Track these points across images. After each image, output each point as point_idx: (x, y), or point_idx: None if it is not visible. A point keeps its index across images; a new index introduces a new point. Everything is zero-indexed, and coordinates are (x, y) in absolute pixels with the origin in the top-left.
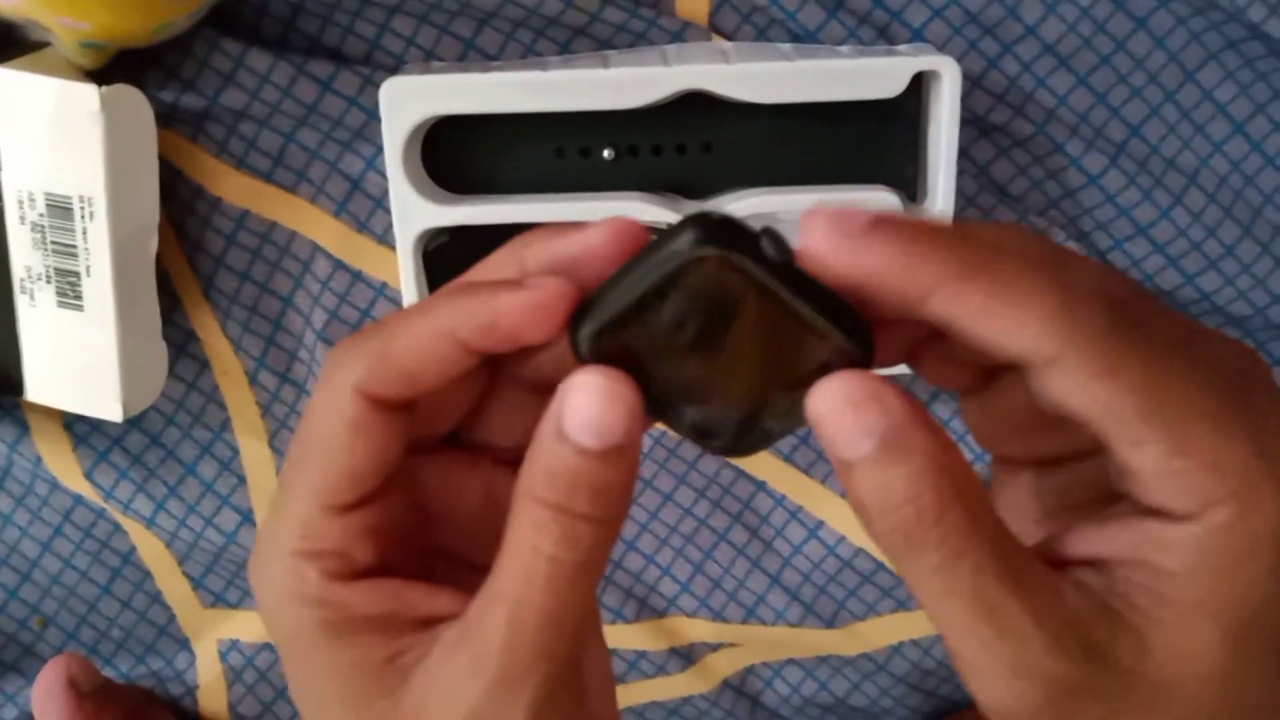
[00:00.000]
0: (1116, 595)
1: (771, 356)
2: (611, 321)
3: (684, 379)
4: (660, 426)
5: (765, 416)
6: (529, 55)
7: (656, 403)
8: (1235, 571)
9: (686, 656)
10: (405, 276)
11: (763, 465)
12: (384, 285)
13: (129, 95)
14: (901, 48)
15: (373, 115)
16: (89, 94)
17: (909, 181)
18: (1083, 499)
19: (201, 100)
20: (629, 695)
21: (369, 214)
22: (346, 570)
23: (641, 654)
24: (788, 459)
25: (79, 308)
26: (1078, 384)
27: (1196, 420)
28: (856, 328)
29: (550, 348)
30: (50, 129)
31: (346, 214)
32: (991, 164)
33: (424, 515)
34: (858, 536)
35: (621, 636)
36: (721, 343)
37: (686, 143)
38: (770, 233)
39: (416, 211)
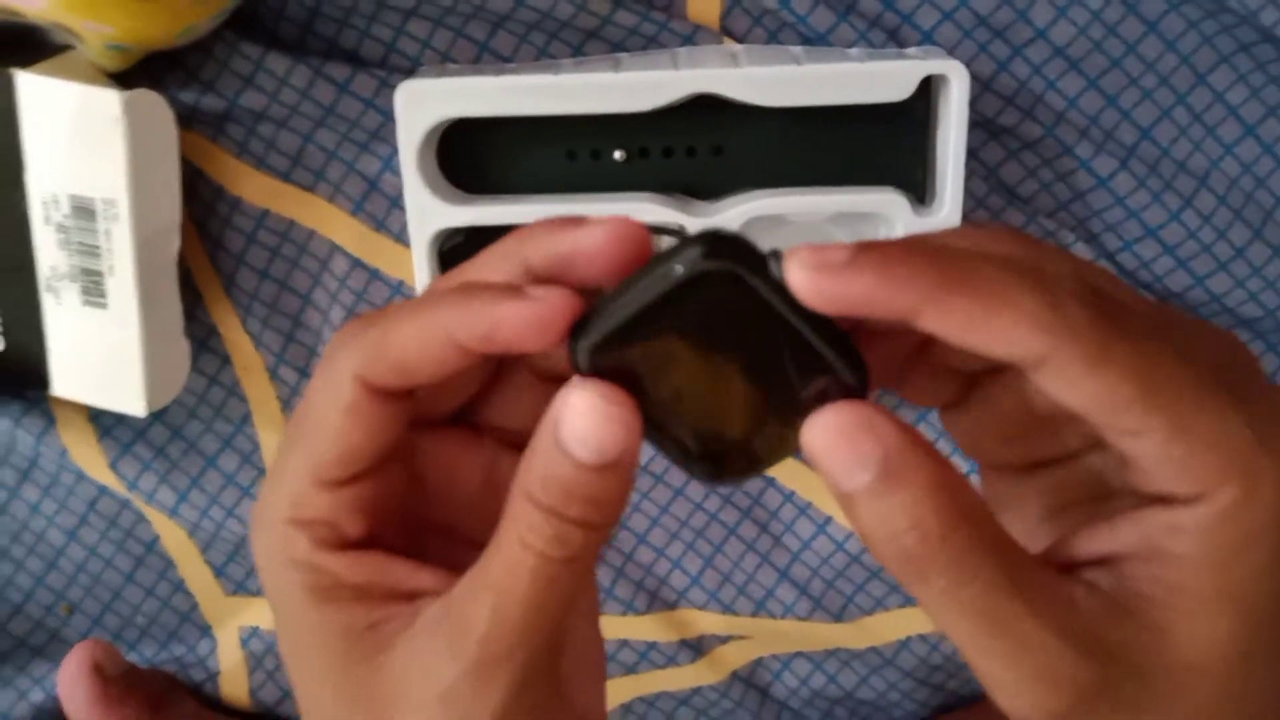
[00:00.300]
0: (1129, 591)
1: (769, 380)
2: (611, 335)
3: (680, 397)
4: None
5: (757, 441)
6: (542, 58)
7: (648, 420)
8: (1244, 551)
9: (696, 648)
10: (420, 276)
11: None
12: (401, 283)
13: (150, 100)
14: (911, 51)
15: (389, 117)
16: (111, 99)
17: (918, 184)
18: (1078, 498)
19: (222, 102)
20: (640, 685)
21: (386, 213)
22: (335, 540)
23: (652, 645)
24: (796, 455)
25: (103, 306)
26: (1071, 379)
27: (1192, 403)
28: (852, 355)
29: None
30: (73, 133)
31: (364, 213)
32: (1001, 166)
33: (422, 489)
34: None
35: (633, 628)
36: (720, 362)
37: (697, 145)
38: (778, 255)
39: (431, 212)
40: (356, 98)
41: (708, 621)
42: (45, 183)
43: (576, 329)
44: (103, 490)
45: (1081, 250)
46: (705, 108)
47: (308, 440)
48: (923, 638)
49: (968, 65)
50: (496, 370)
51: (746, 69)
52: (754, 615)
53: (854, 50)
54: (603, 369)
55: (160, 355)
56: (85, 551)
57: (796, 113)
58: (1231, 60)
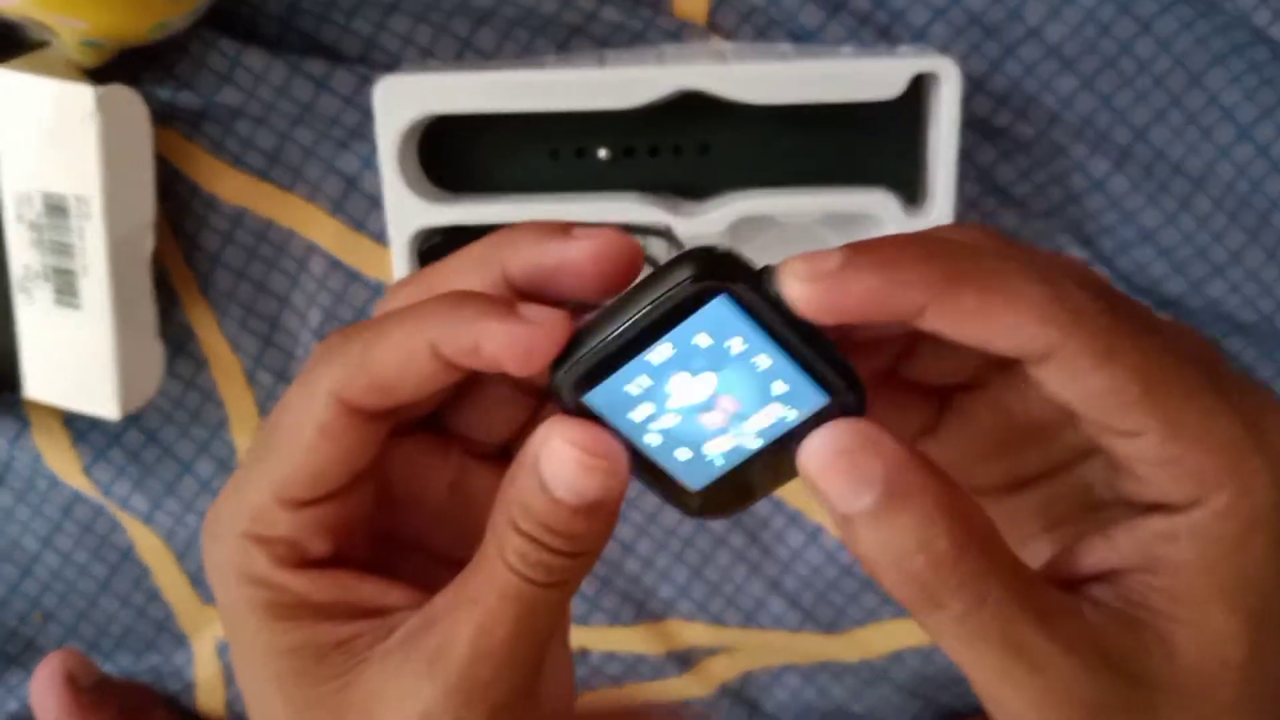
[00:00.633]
0: (1133, 604)
1: (762, 403)
2: (596, 367)
3: (668, 427)
4: None
5: (751, 470)
6: (526, 54)
7: (634, 452)
8: (1242, 552)
9: (684, 660)
10: (399, 276)
11: None
12: (380, 284)
13: (124, 96)
14: (902, 49)
15: (369, 114)
16: (84, 95)
17: (909, 184)
18: (1066, 514)
19: (198, 99)
20: (627, 697)
21: (366, 213)
22: (297, 559)
23: (640, 657)
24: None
25: (76, 306)
26: (1076, 374)
27: (1186, 402)
28: (849, 374)
29: None
30: (47, 129)
31: (343, 213)
32: (994, 167)
33: (385, 499)
34: None
35: (619, 639)
36: (712, 387)
37: (683, 144)
38: (770, 270)
39: (411, 210)
40: (335, 94)
41: (696, 633)
42: (18, 180)
43: (560, 359)
44: (77, 496)
45: (1077, 254)
46: (692, 106)
47: (276, 455)
48: (916, 650)
49: (960, 64)
50: (472, 377)
51: (734, 66)
52: (743, 626)
53: (844, 48)
54: (586, 404)
55: (134, 357)
56: (60, 558)
57: (785, 111)
58: (1226, 61)
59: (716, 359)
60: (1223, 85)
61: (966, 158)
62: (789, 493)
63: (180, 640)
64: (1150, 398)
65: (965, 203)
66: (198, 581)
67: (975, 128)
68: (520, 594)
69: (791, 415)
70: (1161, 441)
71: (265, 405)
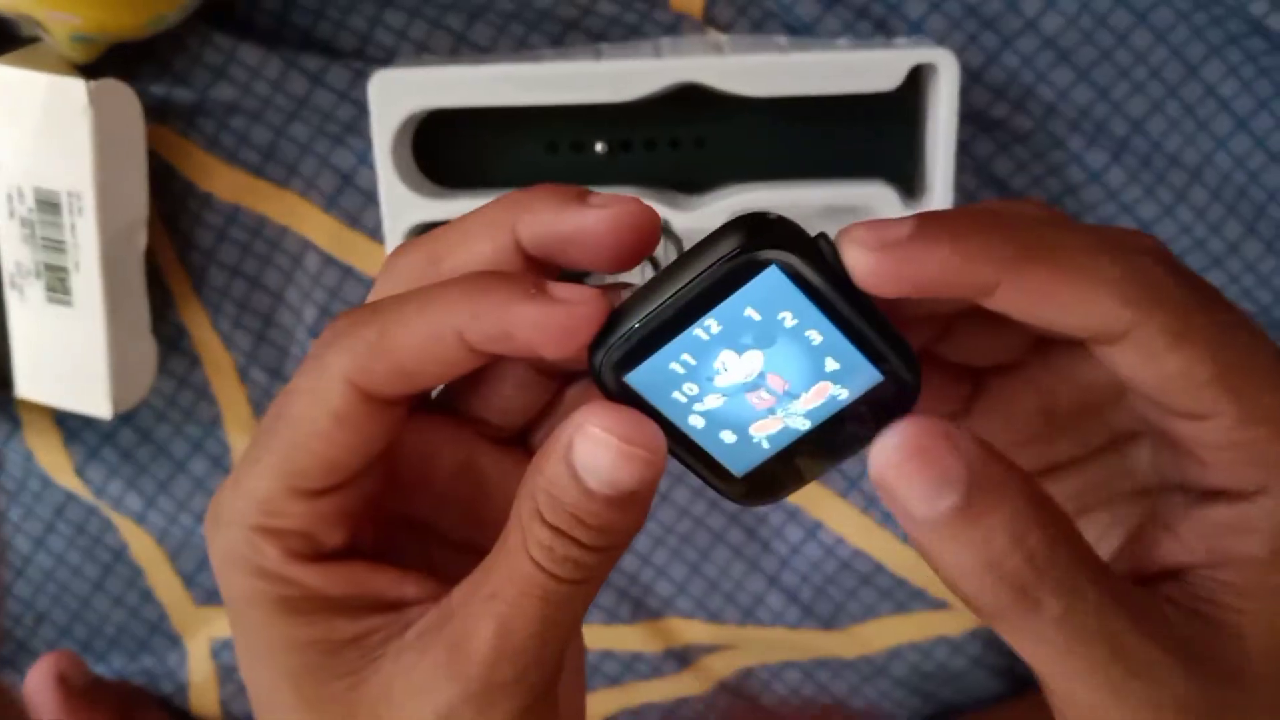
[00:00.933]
0: (1204, 600)
1: (813, 382)
2: (639, 348)
3: (714, 409)
4: None
5: (799, 452)
6: (522, 48)
7: (674, 438)
8: None
9: (683, 658)
10: None
11: None
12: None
13: (117, 90)
14: (899, 41)
15: (364, 109)
16: (77, 89)
17: (907, 177)
18: (1099, 501)
19: (192, 94)
20: (624, 696)
21: (361, 209)
22: (310, 551)
23: (637, 655)
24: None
25: (68, 303)
26: (1149, 354)
27: (1260, 386)
28: (907, 351)
29: None
30: (39, 124)
31: (338, 209)
32: (991, 160)
33: (393, 480)
34: (856, 537)
35: (617, 637)
36: (761, 366)
37: (680, 137)
38: (826, 238)
39: (406, 206)
40: (330, 90)
41: (694, 630)
42: (9, 175)
43: (598, 339)
44: (70, 496)
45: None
46: (689, 99)
47: (285, 444)
48: (915, 646)
49: (957, 56)
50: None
51: (731, 58)
52: (742, 624)
53: (840, 40)
54: (627, 387)
55: (127, 355)
56: (53, 559)
57: (782, 103)
58: (1222, 52)
59: (766, 334)
60: (1220, 76)
61: (964, 150)
62: (807, 500)
63: (174, 641)
64: (1224, 380)
65: (963, 195)
66: (191, 582)
67: (972, 120)
68: (545, 590)
69: (843, 394)
70: (1233, 425)
71: (259, 403)
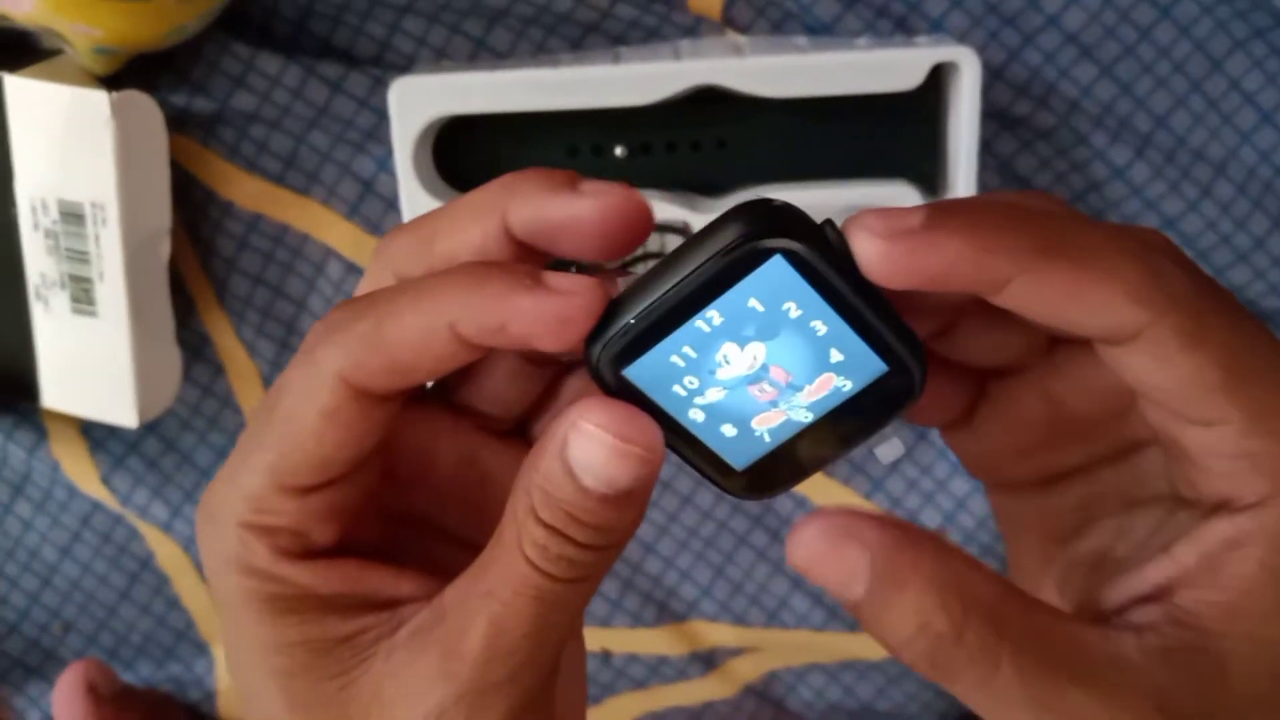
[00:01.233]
0: (1183, 625)
1: (816, 374)
2: (638, 340)
3: (715, 402)
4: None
5: (801, 445)
6: (541, 53)
7: (674, 433)
8: None
9: (708, 661)
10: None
11: None
12: None
13: (139, 101)
14: (920, 39)
15: (384, 116)
16: (99, 100)
17: (929, 176)
18: (1103, 511)
19: (213, 104)
20: (650, 700)
21: (381, 216)
22: (301, 549)
23: (663, 659)
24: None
25: (92, 314)
26: (1160, 357)
27: (1272, 394)
28: (913, 342)
29: None
30: (62, 136)
31: (359, 216)
32: (1014, 157)
33: (389, 473)
34: None
35: (642, 641)
36: (764, 358)
37: (701, 139)
38: (832, 225)
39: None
40: (350, 97)
41: (719, 633)
42: (34, 188)
43: (597, 328)
44: (96, 505)
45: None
46: (708, 101)
47: (276, 440)
48: None
49: (979, 54)
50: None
51: (750, 60)
52: (767, 626)
53: (861, 40)
54: (625, 381)
55: (152, 364)
56: (79, 568)
57: (803, 104)
58: (1246, 46)
59: (770, 325)
60: (1244, 70)
61: (986, 148)
62: (813, 489)
63: (201, 648)
64: (1235, 385)
65: (986, 193)
66: None
67: (995, 117)
68: (540, 590)
69: (847, 385)
70: (1242, 433)
71: None
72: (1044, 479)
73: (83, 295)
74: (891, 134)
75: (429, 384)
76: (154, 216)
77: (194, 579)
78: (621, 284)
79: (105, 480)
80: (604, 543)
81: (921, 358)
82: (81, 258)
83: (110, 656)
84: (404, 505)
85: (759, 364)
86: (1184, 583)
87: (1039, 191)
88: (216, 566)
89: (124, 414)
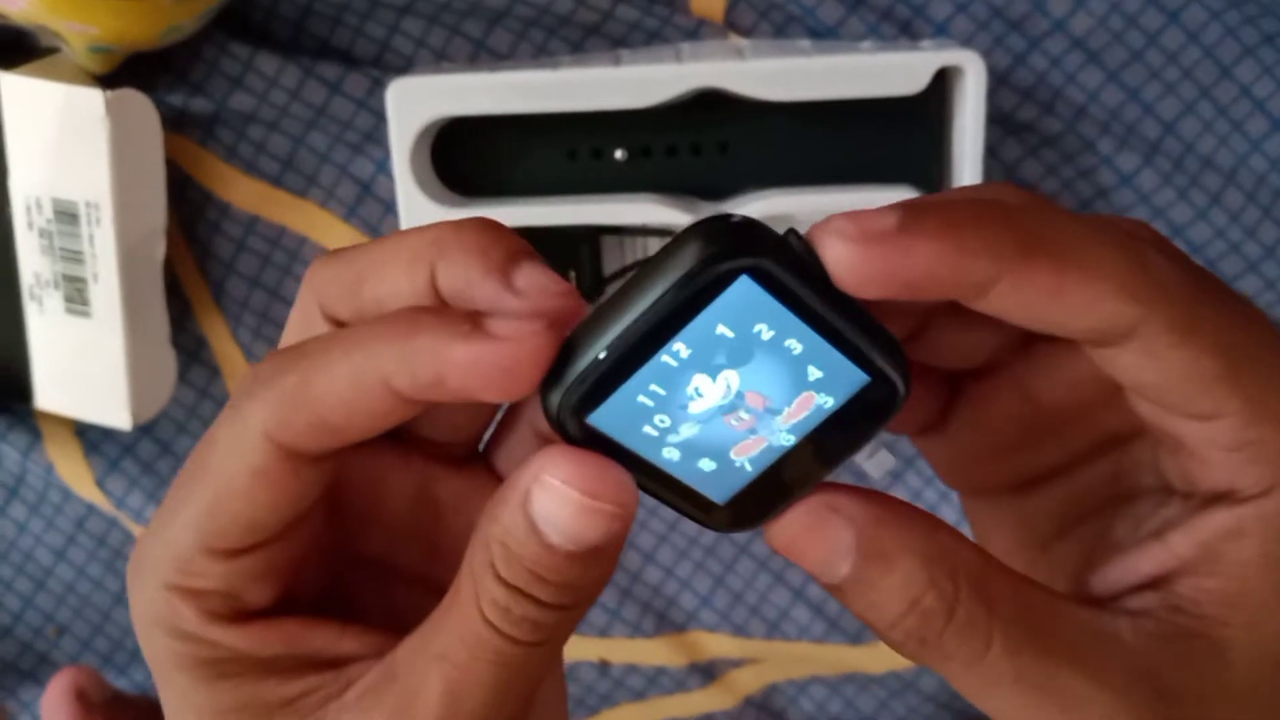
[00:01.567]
0: (1181, 611)
1: (798, 394)
2: (598, 384)
3: (690, 436)
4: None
5: (785, 470)
6: (541, 55)
7: (647, 475)
8: None
9: (708, 673)
10: None
11: None
12: None
13: (134, 99)
14: (924, 43)
15: (382, 118)
16: (94, 98)
17: (933, 182)
18: (1086, 510)
19: (210, 104)
20: (649, 712)
21: (380, 218)
22: (232, 612)
23: (661, 669)
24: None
25: (87, 314)
26: (1154, 352)
27: (1271, 382)
28: (894, 351)
29: None
30: (57, 134)
31: (357, 218)
32: (1020, 164)
33: (338, 518)
34: None
35: (641, 651)
36: (737, 382)
37: (702, 143)
38: (796, 235)
39: (425, 214)
40: (349, 98)
41: (719, 644)
42: (28, 186)
43: (552, 374)
44: (91, 508)
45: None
46: (710, 104)
47: (203, 499)
48: None
49: (983, 58)
50: None
51: (752, 63)
52: (767, 637)
53: (864, 43)
54: (590, 429)
55: (146, 365)
56: (74, 572)
57: (805, 108)
58: (1256, 52)
59: (741, 351)
60: (1254, 77)
61: (991, 154)
62: None
63: None
64: (1233, 376)
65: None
66: None
67: (1000, 123)
68: (500, 653)
69: (828, 402)
70: (1242, 425)
71: None
72: (1022, 482)
73: (77, 295)
74: (895, 139)
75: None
76: (149, 216)
77: None
78: (590, 310)
79: (100, 483)
80: (570, 601)
81: (903, 362)
82: (76, 257)
83: (104, 662)
84: (353, 549)
85: (733, 392)
86: (1182, 571)
87: (1009, 184)
88: (144, 628)
89: (118, 416)
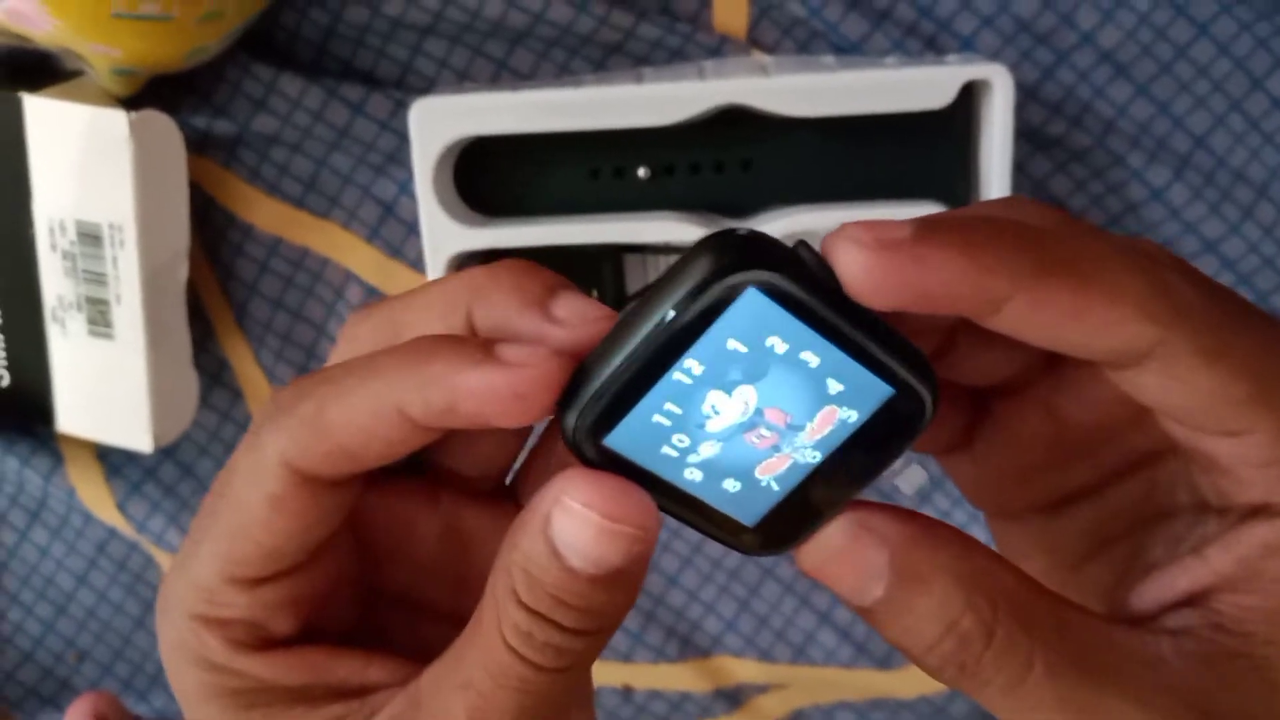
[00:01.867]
0: (1223, 630)
1: (819, 409)
2: (615, 404)
3: (712, 456)
4: None
5: (814, 488)
6: (564, 75)
7: (670, 497)
8: None
9: (733, 698)
10: None
11: None
12: None
13: (158, 121)
14: (949, 58)
15: (405, 139)
16: (118, 120)
17: (960, 198)
18: (1119, 531)
19: (233, 126)
20: None
21: (403, 239)
22: (257, 640)
23: (686, 695)
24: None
25: (109, 336)
26: (1179, 374)
27: None
28: (918, 361)
29: None
30: (80, 156)
31: (380, 239)
32: (1048, 179)
33: (367, 554)
34: None
35: (665, 677)
36: (757, 400)
37: (725, 160)
38: (807, 247)
39: (448, 235)
40: (371, 120)
41: (745, 669)
42: (51, 208)
43: (567, 396)
44: (112, 532)
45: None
46: (733, 121)
47: (224, 528)
48: None
49: (1010, 73)
50: None
51: (776, 79)
52: (794, 662)
53: (889, 59)
54: (608, 451)
55: (168, 388)
56: (95, 596)
57: (829, 124)
58: None
59: (756, 366)
60: None
61: (1020, 170)
62: None
63: None
64: (1262, 395)
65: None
66: None
67: (1028, 138)
68: (523, 680)
69: (853, 416)
70: (1275, 440)
71: None
72: (1051, 502)
73: (99, 318)
74: (921, 154)
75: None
76: (172, 238)
77: None
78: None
79: (121, 507)
80: (594, 627)
81: (929, 373)
82: (99, 279)
83: (124, 687)
84: (380, 582)
85: (752, 409)
86: (1222, 588)
87: (1031, 199)
88: (171, 659)
89: (139, 439)
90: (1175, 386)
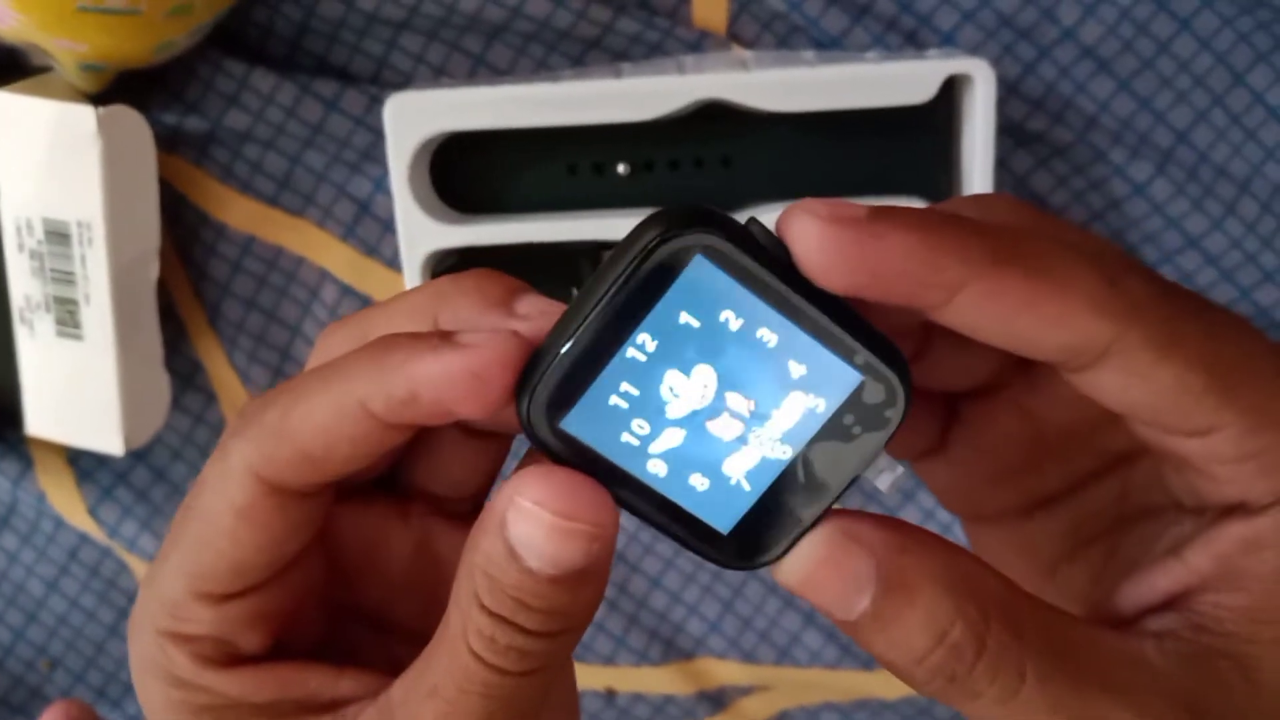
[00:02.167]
0: (1204, 630)
1: (784, 395)
2: (565, 381)
3: (675, 445)
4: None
5: (789, 489)
6: (541, 70)
7: (638, 489)
8: None
9: (717, 700)
10: None
11: None
12: None
13: (127, 116)
14: (931, 53)
15: (381, 135)
16: (85, 115)
17: (941, 193)
18: (1094, 532)
19: (205, 123)
20: None
21: (378, 237)
22: (225, 657)
23: (669, 698)
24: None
25: (78, 337)
26: (1135, 371)
27: (1264, 390)
28: (887, 349)
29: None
30: (48, 153)
31: (355, 238)
32: (1030, 175)
33: (338, 571)
34: None
35: (647, 679)
36: (716, 381)
37: (705, 156)
38: (757, 221)
39: (424, 232)
40: (346, 116)
41: (728, 671)
42: (18, 207)
43: (523, 379)
44: (83, 538)
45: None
46: (713, 117)
47: (191, 542)
48: None
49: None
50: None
51: (756, 74)
52: (778, 664)
53: (870, 54)
54: (566, 436)
55: (139, 389)
56: (66, 603)
57: (810, 119)
58: (1269, 59)
59: (711, 343)
60: (1268, 83)
61: (1001, 165)
62: None
63: None
64: (1224, 389)
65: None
66: None
67: (1009, 133)
68: (488, 685)
69: (820, 405)
70: (1242, 435)
71: None
72: (1026, 505)
73: (68, 318)
74: (902, 150)
75: (376, 474)
76: (142, 237)
77: None
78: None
79: (93, 512)
80: (558, 628)
81: (898, 360)
82: (67, 279)
83: (98, 695)
84: (352, 601)
85: (712, 392)
86: (1201, 588)
87: (1005, 198)
88: (140, 676)
89: (110, 441)
90: (1134, 383)
